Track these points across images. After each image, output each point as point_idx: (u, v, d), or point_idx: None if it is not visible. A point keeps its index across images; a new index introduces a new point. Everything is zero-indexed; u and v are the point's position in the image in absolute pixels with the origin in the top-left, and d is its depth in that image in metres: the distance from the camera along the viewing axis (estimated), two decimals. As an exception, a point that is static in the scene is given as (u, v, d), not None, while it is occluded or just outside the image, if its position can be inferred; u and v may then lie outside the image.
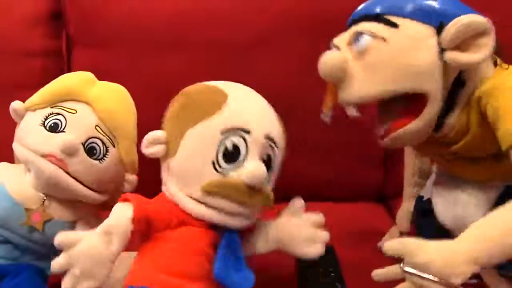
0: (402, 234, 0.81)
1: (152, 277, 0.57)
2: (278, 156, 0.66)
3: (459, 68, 0.60)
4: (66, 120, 0.67)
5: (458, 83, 0.61)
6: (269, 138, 0.63)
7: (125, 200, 0.59)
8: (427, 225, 0.72)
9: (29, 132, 0.68)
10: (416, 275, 0.52)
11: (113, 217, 0.58)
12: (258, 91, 0.64)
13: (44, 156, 0.65)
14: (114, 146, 0.70)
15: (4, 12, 1.05)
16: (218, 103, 0.62)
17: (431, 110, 0.60)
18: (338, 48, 0.64)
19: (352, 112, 0.65)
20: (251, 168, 0.59)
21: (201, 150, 0.60)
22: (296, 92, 1.00)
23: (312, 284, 0.73)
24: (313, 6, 1.01)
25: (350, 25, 0.66)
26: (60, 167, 0.65)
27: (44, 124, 0.67)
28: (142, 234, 0.60)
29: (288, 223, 0.67)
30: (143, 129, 0.68)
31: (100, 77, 1.00)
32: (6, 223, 0.66)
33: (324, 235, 0.66)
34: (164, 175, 0.65)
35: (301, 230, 0.66)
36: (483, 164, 0.64)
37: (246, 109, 0.63)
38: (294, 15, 1.00)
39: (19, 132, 0.70)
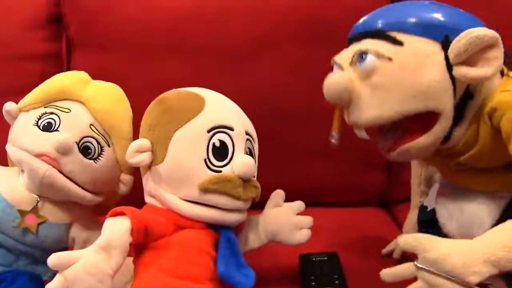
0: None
1: (161, 282, 0.56)
2: (256, 152, 0.69)
3: (468, 82, 0.58)
4: (60, 119, 0.66)
5: (466, 96, 0.59)
6: (248, 133, 0.66)
7: (116, 213, 0.57)
8: (432, 235, 0.71)
9: (22, 132, 0.67)
10: (430, 271, 0.51)
11: (108, 231, 0.56)
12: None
13: (38, 155, 0.64)
14: (109, 146, 0.69)
15: (4, 15, 1.05)
16: (199, 105, 0.64)
17: (442, 125, 0.58)
18: (341, 67, 0.62)
19: (362, 134, 0.64)
20: (242, 162, 0.62)
21: (192, 150, 0.62)
22: (298, 97, 1.00)
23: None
24: (310, 12, 1.00)
25: (351, 41, 0.64)
26: (54, 167, 0.64)
27: (37, 123, 0.66)
28: (137, 244, 0.59)
29: (273, 215, 0.70)
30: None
31: (99, 79, 1.00)
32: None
33: (308, 220, 0.70)
34: (149, 185, 0.65)
35: (285, 218, 0.70)
36: (490, 174, 0.63)
37: (225, 109, 0.66)
38: (292, 21, 1.00)
39: (12, 133, 0.70)
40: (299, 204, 0.71)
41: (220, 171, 0.62)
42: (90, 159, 0.67)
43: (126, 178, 0.72)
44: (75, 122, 0.67)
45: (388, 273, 0.58)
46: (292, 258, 0.78)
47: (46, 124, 0.66)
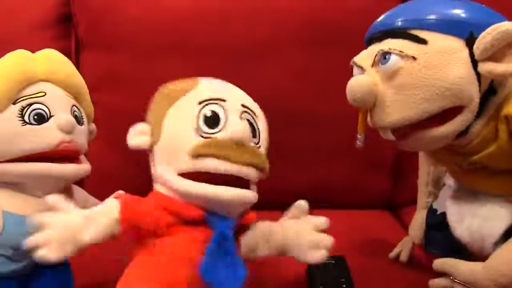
0: (414, 245, 0.80)
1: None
2: (261, 128, 0.63)
3: (493, 78, 0.57)
4: (45, 105, 0.62)
5: (489, 92, 0.58)
6: (245, 106, 0.61)
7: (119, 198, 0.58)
8: (440, 238, 0.71)
9: (13, 138, 0.60)
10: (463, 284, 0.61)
11: (100, 209, 0.57)
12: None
13: (56, 146, 0.61)
14: (81, 106, 0.68)
15: (13, 15, 1.06)
16: (192, 85, 0.62)
17: (464, 118, 0.57)
18: (362, 68, 0.61)
19: (389, 136, 0.62)
20: (234, 125, 0.58)
21: (182, 121, 0.59)
22: (301, 99, 1.00)
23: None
24: (313, 14, 1.00)
25: (370, 41, 0.63)
26: (72, 149, 0.63)
27: (25, 121, 0.60)
28: (133, 238, 0.58)
29: (292, 228, 0.66)
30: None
31: (108, 79, 1.02)
32: None
33: (328, 240, 0.65)
34: (153, 169, 0.63)
35: (305, 235, 0.65)
36: (502, 177, 0.62)
37: (219, 85, 0.64)
38: (294, 23, 1.00)
39: None
40: (322, 221, 0.66)
41: (212, 137, 0.58)
42: (82, 125, 0.67)
43: (92, 126, 0.73)
44: (58, 100, 0.64)
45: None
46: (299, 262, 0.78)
47: (36, 117, 0.61)
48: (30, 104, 0.61)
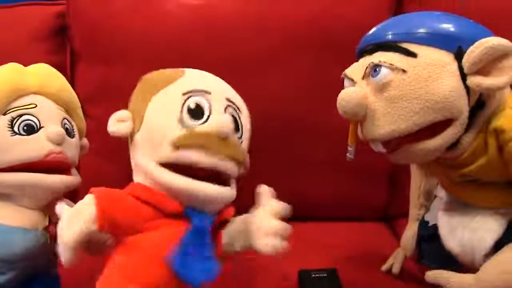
0: (406, 257, 0.80)
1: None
2: (244, 122, 0.63)
3: (482, 92, 0.58)
4: (35, 116, 0.63)
5: (477, 105, 0.59)
6: (229, 100, 0.62)
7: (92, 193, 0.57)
8: (432, 250, 0.71)
9: (2, 148, 0.61)
10: None
11: (76, 208, 0.56)
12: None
13: (45, 156, 0.62)
14: (72, 119, 0.69)
15: (8, 27, 1.06)
16: (178, 74, 0.62)
17: (453, 131, 0.58)
18: (352, 81, 0.62)
19: (379, 148, 0.63)
20: (217, 118, 0.58)
21: (166, 111, 0.59)
22: (302, 111, 1.00)
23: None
24: (320, 24, 1.00)
25: (361, 53, 0.64)
26: (62, 161, 0.63)
27: (15, 131, 0.61)
28: (112, 234, 0.58)
29: (252, 216, 0.59)
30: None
31: (103, 92, 1.01)
32: (33, 255, 0.62)
33: (283, 229, 0.56)
34: (133, 157, 0.63)
35: (263, 222, 0.57)
36: (493, 189, 0.63)
37: (205, 77, 0.64)
38: (302, 33, 1.00)
39: None
40: (281, 207, 0.58)
41: (195, 129, 0.58)
42: (72, 137, 0.67)
43: (84, 142, 0.74)
44: (48, 112, 0.64)
45: None
46: (292, 273, 0.78)
47: (26, 127, 0.62)
48: (20, 116, 0.62)
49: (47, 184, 0.62)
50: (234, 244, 0.61)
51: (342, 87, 0.64)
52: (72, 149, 0.66)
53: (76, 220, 0.54)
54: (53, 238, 0.61)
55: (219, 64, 1.00)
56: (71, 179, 0.65)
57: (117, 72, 1.01)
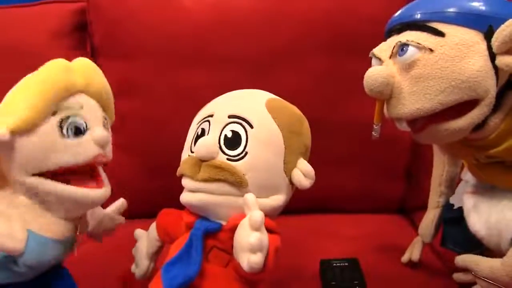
0: (425, 244, 0.81)
1: None
2: (256, 133, 0.61)
3: (510, 72, 0.57)
4: (83, 118, 0.60)
5: (507, 86, 0.58)
6: (234, 116, 0.62)
7: None
8: (457, 233, 0.71)
9: (51, 151, 0.58)
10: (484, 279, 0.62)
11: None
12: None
13: (92, 160, 0.60)
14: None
15: (30, 25, 1.08)
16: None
17: (480, 112, 0.57)
18: (379, 60, 0.62)
19: (404, 127, 0.62)
20: (198, 143, 0.61)
21: (186, 141, 0.66)
22: (318, 106, 1.00)
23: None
24: (334, 21, 1.01)
25: (389, 33, 0.63)
26: (105, 162, 0.62)
27: (65, 134, 0.59)
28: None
29: (238, 227, 0.56)
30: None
31: (123, 88, 1.02)
32: (59, 261, 0.63)
33: (256, 243, 0.51)
34: None
35: (239, 236, 0.55)
36: None
37: (220, 99, 0.67)
38: (316, 31, 1.01)
39: (21, 161, 0.58)
40: (255, 220, 0.52)
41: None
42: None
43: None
44: (93, 113, 0.62)
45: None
46: (313, 263, 0.79)
47: (74, 130, 0.59)
48: (68, 117, 0.59)
49: (87, 200, 0.60)
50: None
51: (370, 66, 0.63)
52: (110, 145, 0.65)
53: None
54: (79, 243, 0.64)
55: (234, 59, 1.01)
56: (108, 190, 0.63)
57: (137, 67, 1.03)
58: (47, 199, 0.59)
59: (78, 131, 0.59)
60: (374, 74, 0.58)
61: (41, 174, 0.58)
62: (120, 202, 0.74)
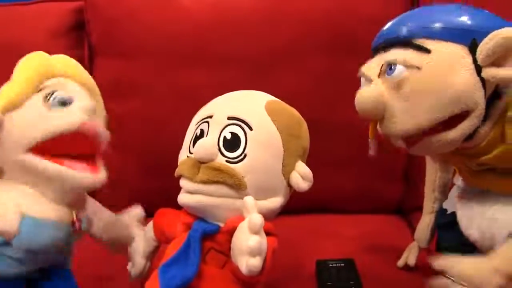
0: (421, 249, 0.81)
1: None
2: (256, 135, 0.62)
3: (497, 83, 0.58)
4: (66, 93, 0.62)
5: (493, 96, 0.59)
6: (233, 118, 0.62)
7: None
8: (450, 238, 0.71)
9: (38, 121, 0.60)
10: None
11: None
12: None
13: (81, 126, 0.60)
14: None
15: (27, 24, 1.08)
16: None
17: (470, 123, 0.58)
18: (369, 79, 0.62)
19: (399, 144, 0.63)
20: (197, 144, 0.61)
21: (185, 142, 0.67)
22: (317, 107, 1.00)
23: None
24: (334, 22, 1.01)
25: (376, 50, 0.64)
26: (94, 131, 0.62)
27: (52, 105, 0.61)
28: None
29: (236, 231, 0.57)
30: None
31: (121, 87, 1.02)
32: (57, 248, 0.62)
33: (255, 246, 0.52)
34: None
35: (238, 239, 0.56)
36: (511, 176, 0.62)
37: (219, 99, 0.68)
38: (316, 31, 1.01)
39: (13, 137, 0.60)
40: (254, 223, 0.53)
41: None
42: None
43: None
44: (78, 91, 0.64)
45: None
46: (310, 263, 0.79)
47: (60, 102, 0.61)
48: (53, 92, 0.62)
49: (74, 181, 0.61)
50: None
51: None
52: (101, 125, 0.65)
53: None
54: (77, 233, 0.63)
55: (234, 59, 1.01)
56: (100, 178, 0.63)
57: (134, 66, 1.03)
58: (39, 180, 0.60)
59: (63, 103, 0.61)
60: (364, 96, 0.60)
61: (37, 152, 0.59)
62: (136, 210, 0.76)
